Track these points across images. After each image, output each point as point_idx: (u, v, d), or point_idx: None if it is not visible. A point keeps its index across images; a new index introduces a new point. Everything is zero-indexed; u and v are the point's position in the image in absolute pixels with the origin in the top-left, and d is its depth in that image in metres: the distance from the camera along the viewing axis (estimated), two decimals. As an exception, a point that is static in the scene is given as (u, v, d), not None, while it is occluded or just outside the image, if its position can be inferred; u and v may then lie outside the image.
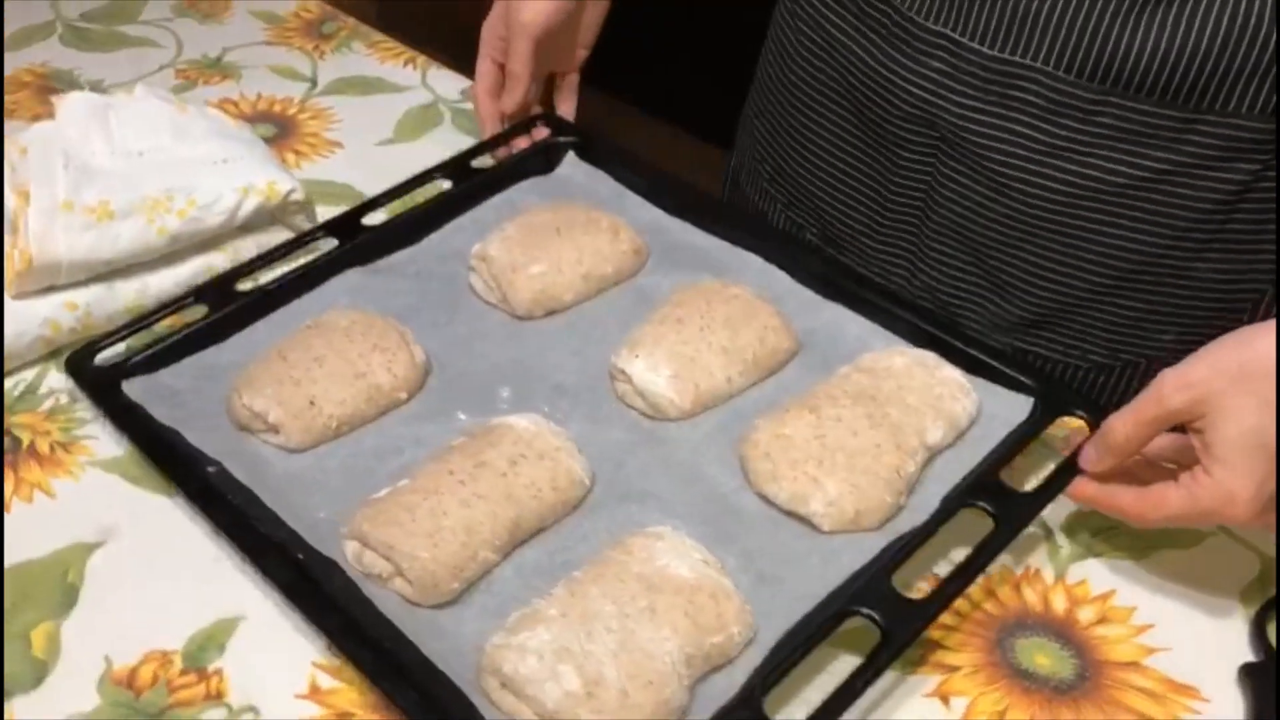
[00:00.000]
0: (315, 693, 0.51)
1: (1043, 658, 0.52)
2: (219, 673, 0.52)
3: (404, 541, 0.53)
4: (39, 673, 0.52)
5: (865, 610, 0.51)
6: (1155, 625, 0.53)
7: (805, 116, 0.76)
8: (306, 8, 1.05)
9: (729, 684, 0.50)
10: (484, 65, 0.82)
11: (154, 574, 0.56)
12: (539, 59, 0.80)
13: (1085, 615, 0.54)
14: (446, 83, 0.94)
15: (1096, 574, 0.56)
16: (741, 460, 0.59)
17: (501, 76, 0.82)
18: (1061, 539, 0.58)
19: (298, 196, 0.73)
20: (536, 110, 0.84)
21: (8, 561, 0.56)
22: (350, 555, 0.55)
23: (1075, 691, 0.51)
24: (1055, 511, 0.58)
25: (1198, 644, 0.53)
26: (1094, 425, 0.59)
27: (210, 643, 0.53)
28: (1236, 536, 0.58)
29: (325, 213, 0.76)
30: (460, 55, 0.92)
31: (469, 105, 0.90)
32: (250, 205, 0.71)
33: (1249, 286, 0.67)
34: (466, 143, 0.82)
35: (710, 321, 0.65)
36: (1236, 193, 0.63)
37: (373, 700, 0.51)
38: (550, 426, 0.60)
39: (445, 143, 0.87)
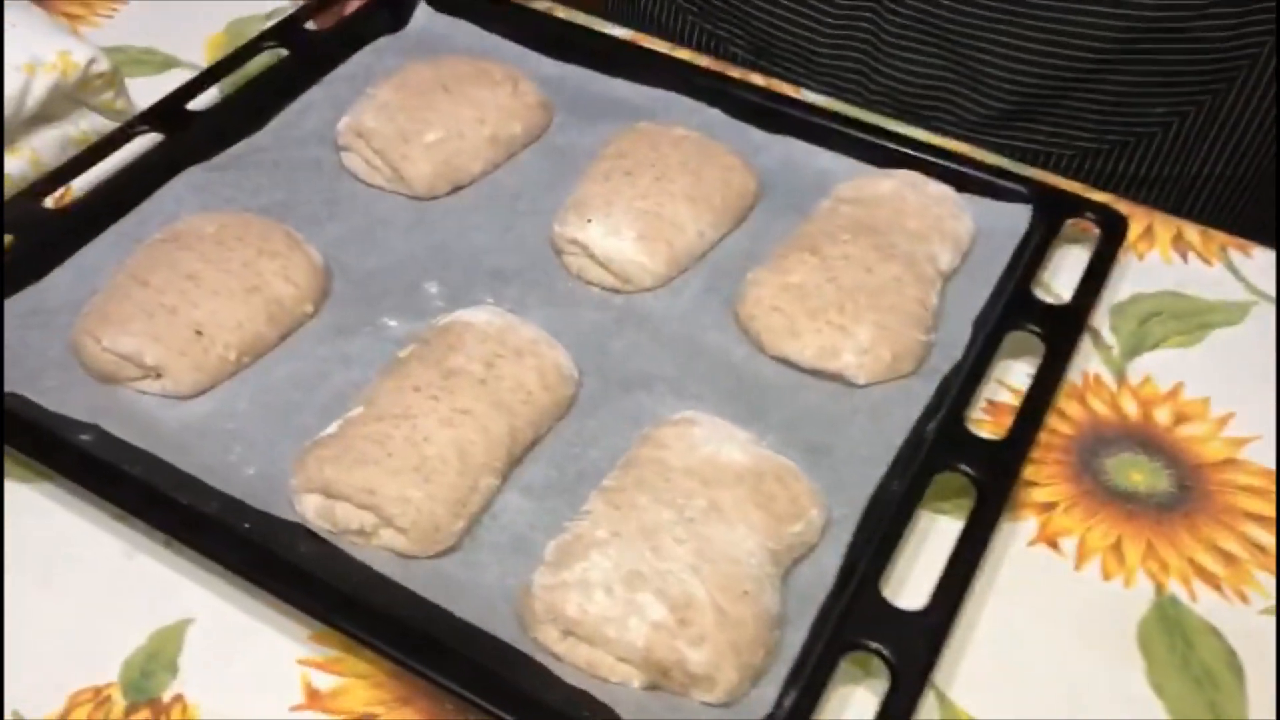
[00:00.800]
0: (314, 699, 0.39)
1: (1137, 474, 0.47)
2: (179, 700, 0.39)
3: (386, 482, 0.41)
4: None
5: (955, 464, 0.44)
6: (1236, 414, 0.49)
7: None
8: None
9: (818, 575, 0.42)
10: None
11: (53, 591, 0.42)
12: None
13: (1162, 417, 0.49)
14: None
15: (1157, 368, 0.51)
16: (746, 321, 0.50)
17: None
18: (1109, 337, 0.52)
19: (101, 68, 0.56)
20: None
21: None
22: (313, 513, 0.42)
23: (1183, 506, 0.46)
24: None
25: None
26: (1102, 224, 0.54)
27: (154, 663, 0.40)
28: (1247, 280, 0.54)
29: (142, 91, 0.60)
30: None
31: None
32: (41, 86, 0.54)
33: (1248, 43, 0.62)
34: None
35: (665, 169, 0.54)
36: None
37: (397, 691, 0.39)
38: (506, 315, 0.49)
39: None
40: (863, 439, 0.46)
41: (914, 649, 0.38)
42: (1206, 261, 0.56)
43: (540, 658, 0.39)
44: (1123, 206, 0.56)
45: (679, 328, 0.51)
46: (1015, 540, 0.45)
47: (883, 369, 0.49)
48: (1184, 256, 0.56)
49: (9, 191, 0.54)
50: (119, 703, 0.38)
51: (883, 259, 0.51)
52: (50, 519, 0.44)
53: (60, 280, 0.51)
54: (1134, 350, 0.52)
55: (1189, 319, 0.53)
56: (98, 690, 0.39)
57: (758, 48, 0.70)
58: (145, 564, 0.42)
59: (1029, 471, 0.46)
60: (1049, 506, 0.46)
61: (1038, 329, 0.49)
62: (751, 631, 0.39)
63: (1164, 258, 0.56)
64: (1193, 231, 0.57)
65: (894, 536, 0.42)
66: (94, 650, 0.40)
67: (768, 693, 0.38)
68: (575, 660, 0.39)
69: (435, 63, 0.60)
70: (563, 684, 0.38)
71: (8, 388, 0.46)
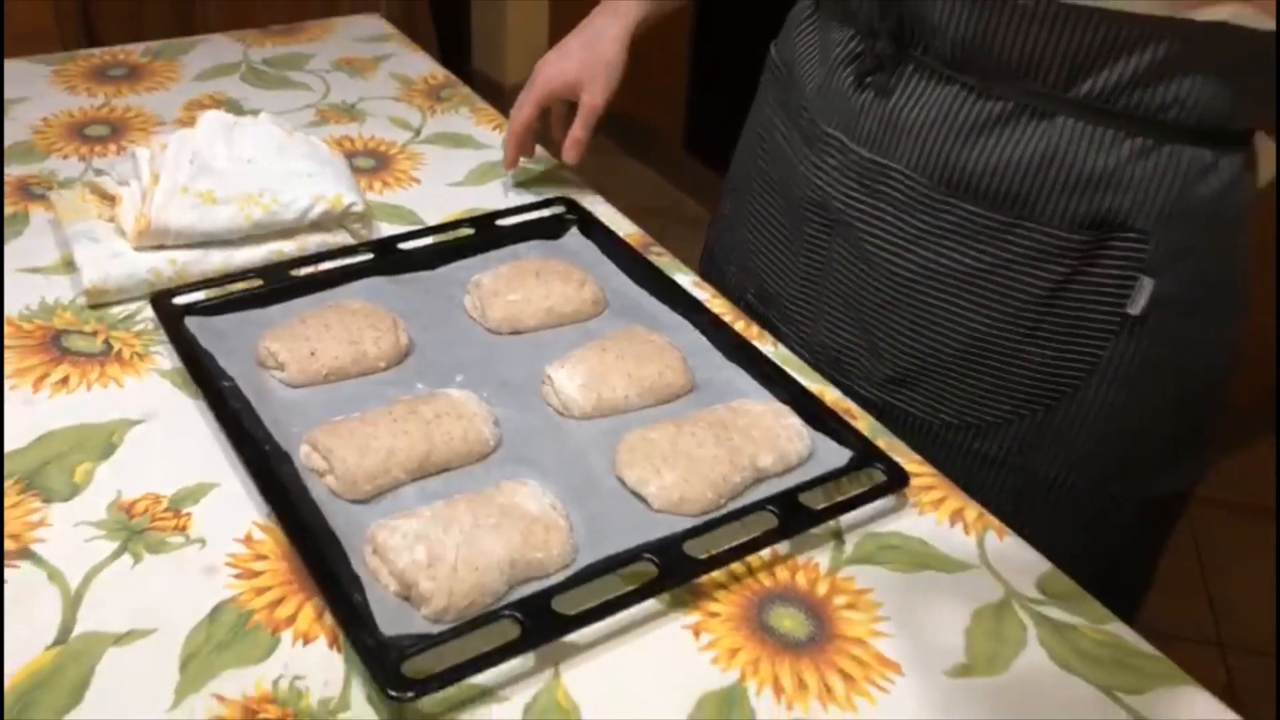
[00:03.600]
0: (249, 540, 0.70)
1: (789, 622, 0.67)
2: (189, 515, 0.72)
3: (339, 448, 0.73)
4: (73, 492, 0.73)
5: (649, 556, 0.67)
6: (890, 618, 0.68)
7: (753, 201, 0.97)
8: (434, 75, 1.31)
9: (538, 588, 0.67)
10: (524, 112, 1.05)
11: (169, 446, 0.77)
12: (547, 100, 1.04)
13: (839, 601, 0.69)
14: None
15: (863, 575, 0.71)
16: (615, 451, 0.77)
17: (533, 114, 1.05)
18: (849, 547, 0.73)
19: (357, 209, 0.95)
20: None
21: (74, 420, 0.78)
22: (302, 454, 0.74)
23: (801, 648, 0.65)
24: (853, 526, 0.74)
25: (917, 638, 0.67)
26: (891, 478, 0.75)
27: (189, 496, 0.73)
28: (992, 569, 0.72)
29: (385, 228, 0.99)
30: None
31: (534, 166, 1.12)
32: (318, 210, 0.93)
33: (1069, 375, 0.81)
34: (522, 198, 1.05)
35: (625, 355, 0.83)
36: (1051, 290, 0.79)
37: (285, 550, 0.69)
38: (476, 401, 0.79)
39: (499, 194, 1.09)
40: (630, 536, 0.71)
41: (544, 626, 0.63)
42: (965, 532, 0.74)
43: (354, 560, 0.67)
44: (940, 483, 0.76)
45: (576, 444, 0.78)
46: (675, 623, 0.67)
47: (672, 503, 0.73)
48: (951, 523, 0.75)
49: (276, 259, 0.93)
50: (163, 505, 0.72)
51: (715, 444, 0.76)
52: (190, 415, 0.79)
53: (275, 310, 0.88)
54: (858, 561, 0.72)
55: (915, 557, 0.72)
56: (157, 496, 0.72)
57: (762, 296, 0.97)
58: (216, 449, 0.76)
59: (713, 590, 0.68)
60: (713, 614, 0.67)
61: (778, 511, 0.71)
62: (465, 591, 0.65)
63: (938, 520, 0.75)
64: (973, 510, 0.76)
65: (582, 579, 0.66)
66: (168, 479, 0.74)
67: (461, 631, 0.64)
68: (370, 566, 0.67)
69: (543, 260, 0.93)
70: (351, 573, 0.66)
71: (210, 350, 0.82)
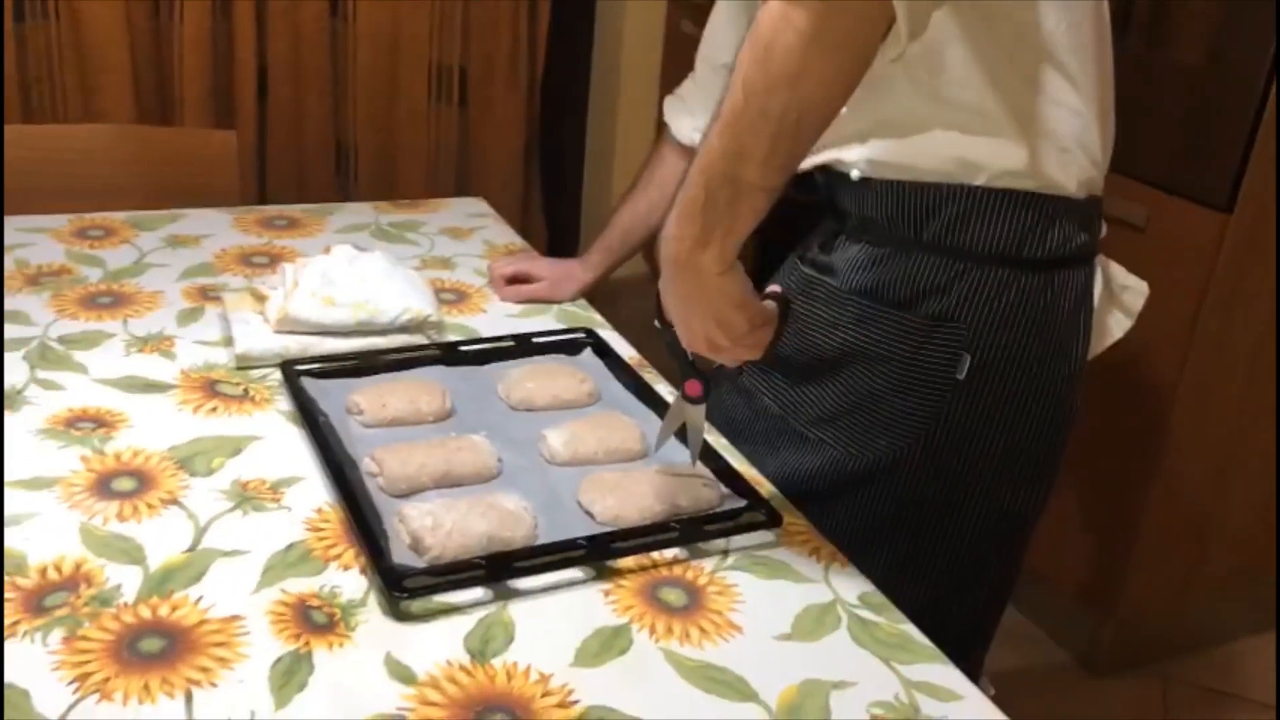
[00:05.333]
0: (319, 512, 1.04)
1: (672, 596, 0.97)
2: (283, 492, 1.06)
3: (387, 460, 1.07)
4: (209, 473, 1.08)
5: (581, 541, 0.98)
6: (745, 603, 0.97)
7: None
8: (513, 243, 1.71)
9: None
10: (506, 269, 1.51)
11: (276, 453, 1.12)
12: (520, 276, 1.52)
13: (712, 590, 0.98)
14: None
15: (734, 576, 1.00)
16: (579, 485, 1.09)
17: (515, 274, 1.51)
18: (730, 559, 1.02)
19: (434, 320, 1.32)
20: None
21: (217, 432, 1.14)
22: (364, 465, 1.08)
23: (675, 611, 0.95)
24: (738, 550, 1.03)
25: (758, 615, 0.95)
26: (769, 519, 1.05)
27: (284, 482, 1.07)
28: (829, 584, 1.00)
29: (453, 337, 1.36)
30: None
31: (574, 309, 1.48)
32: (405, 317, 1.31)
33: (920, 420, 1.12)
34: (557, 326, 1.41)
35: (601, 426, 1.16)
36: (907, 359, 1.11)
37: (343, 522, 1.02)
38: (489, 446, 1.12)
39: (546, 324, 1.43)
40: (575, 533, 1.02)
41: (499, 570, 0.94)
42: (818, 560, 1.03)
43: (387, 527, 1.00)
44: (809, 532, 1.06)
45: (553, 480, 1.10)
46: (596, 589, 0.97)
47: (609, 518, 1.04)
48: (810, 554, 1.04)
49: (370, 348, 1.30)
50: (266, 486, 1.06)
51: (650, 484, 1.07)
52: (295, 440, 1.14)
53: (365, 380, 1.24)
54: (735, 569, 1.01)
55: (770, 569, 1.01)
56: (263, 481, 1.07)
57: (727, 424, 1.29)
58: (305, 457, 1.11)
59: (629, 574, 0.99)
60: (622, 586, 0.97)
61: (676, 526, 1.02)
62: (454, 549, 0.97)
63: (799, 553, 1.04)
64: (828, 548, 1.05)
65: (532, 552, 0.98)
66: (266, 473, 1.08)
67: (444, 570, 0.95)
68: (396, 529, 0.99)
69: (559, 366, 1.28)
70: (382, 529, 0.99)
71: (315, 397, 1.18)
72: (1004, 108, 1.03)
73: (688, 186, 0.89)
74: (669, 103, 1.44)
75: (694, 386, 1.06)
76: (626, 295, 1.88)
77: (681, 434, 1.10)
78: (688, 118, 1.40)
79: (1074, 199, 1.07)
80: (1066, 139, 1.04)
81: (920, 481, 1.14)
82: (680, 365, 1.05)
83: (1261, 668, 2.20)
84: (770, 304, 1.00)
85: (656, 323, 1.01)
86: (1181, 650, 2.20)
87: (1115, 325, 1.16)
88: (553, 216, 3.17)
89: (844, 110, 1.06)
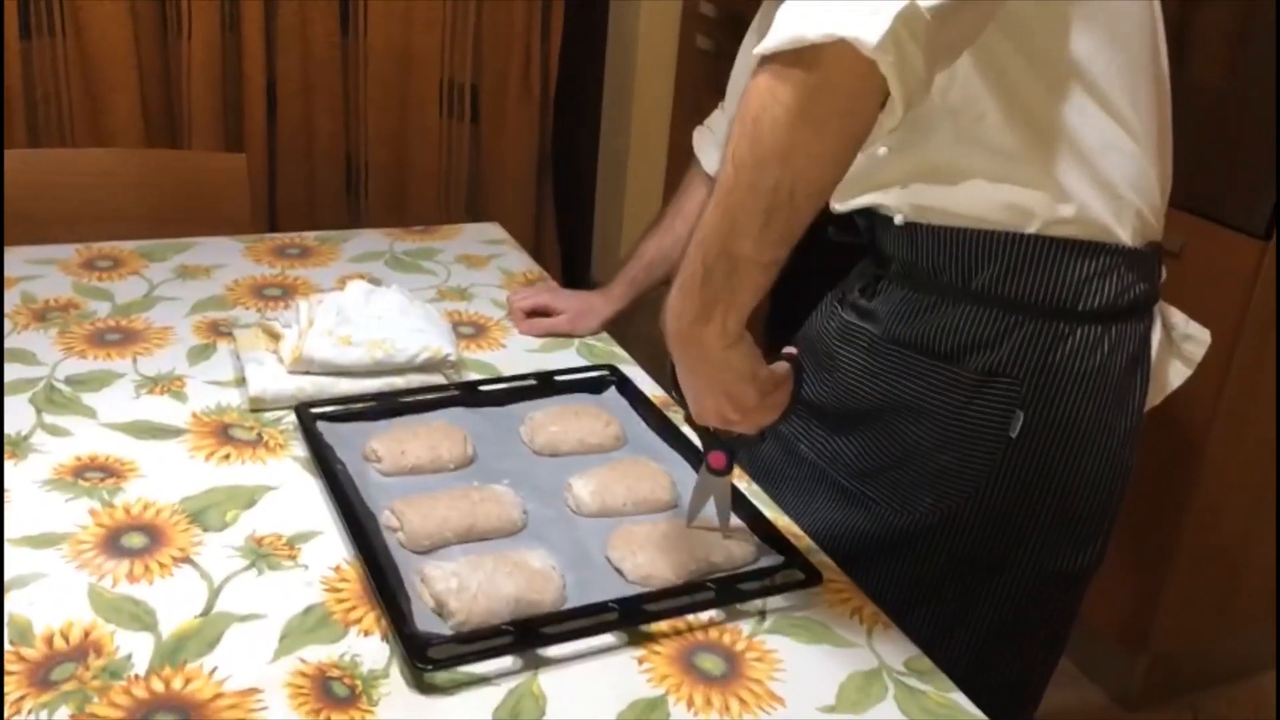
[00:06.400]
0: (338, 570, 0.99)
1: (709, 663, 0.92)
2: (299, 549, 1.01)
3: (408, 514, 1.02)
4: (223, 527, 1.03)
5: (613, 604, 0.94)
6: (786, 670, 0.92)
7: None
8: (530, 271, 1.67)
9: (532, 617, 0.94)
10: (525, 302, 1.48)
11: (292, 505, 1.07)
12: (541, 309, 1.48)
13: (750, 655, 0.93)
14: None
15: (773, 640, 0.95)
16: (606, 540, 1.04)
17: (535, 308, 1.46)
18: (768, 621, 0.97)
19: (452, 359, 1.28)
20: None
21: (230, 481, 1.09)
22: (383, 517, 1.04)
23: (714, 680, 0.90)
24: (776, 610, 0.98)
25: (801, 685, 0.90)
26: (808, 577, 1.00)
27: (301, 537, 1.03)
28: (873, 649, 0.95)
29: (472, 376, 1.31)
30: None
31: (595, 343, 1.44)
32: (423, 356, 1.26)
33: (970, 478, 1.07)
34: (579, 362, 1.37)
35: (629, 474, 1.11)
36: (954, 413, 1.06)
37: (363, 580, 0.98)
38: (513, 495, 1.08)
39: (568, 359, 1.40)
40: (606, 594, 0.97)
41: (529, 638, 0.89)
42: (860, 622, 0.98)
43: (409, 587, 0.95)
44: (850, 589, 1.02)
45: (581, 534, 1.06)
46: (626, 655, 0.92)
47: (641, 577, 0.99)
48: (851, 615, 0.99)
49: (388, 389, 1.25)
50: (281, 542, 1.02)
51: (682, 539, 1.03)
52: (310, 487, 1.10)
53: (380, 424, 1.19)
54: (774, 632, 0.96)
55: (812, 633, 0.96)
56: (277, 536, 1.02)
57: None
58: (323, 511, 1.06)
59: (661, 637, 0.94)
60: (656, 652, 0.93)
61: (713, 587, 0.97)
62: (480, 613, 0.92)
63: (840, 613, 1.00)
64: (870, 608, 1.00)
65: (563, 617, 0.93)
66: (286, 527, 1.04)
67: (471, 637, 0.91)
68: (417, 589, 0.95)
69: (584, 406, 1.23)
70: (404, 592, 0.94)
71: (331, 444, 1.13)
72: (1051, 154, 0.98)
73: (687, 262, 0.84)
74: (698, 134, 1.39)
75: (718, 459, 1.02)
76: (644, 311, 1.83)
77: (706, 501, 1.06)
78: (715, 150, 1.35)
79: (1130, 247, 1.02)
80: (1120, 185, 0.99)
81: (967, 541, 1.09)
82: (701, 437, 1.01)
83: (1294, 700, 2.15)
84: (782, 365, 0.96)
85: (673, 394, 0.97)
86: (1214, 682, 2.15)
87: (1174, 376, 1.11)
88: (565, 234, 3.13)
89: (883, 152, 1.02)
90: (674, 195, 1.42)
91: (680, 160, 1.47)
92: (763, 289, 0.84)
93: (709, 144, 1.37)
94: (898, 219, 1.07)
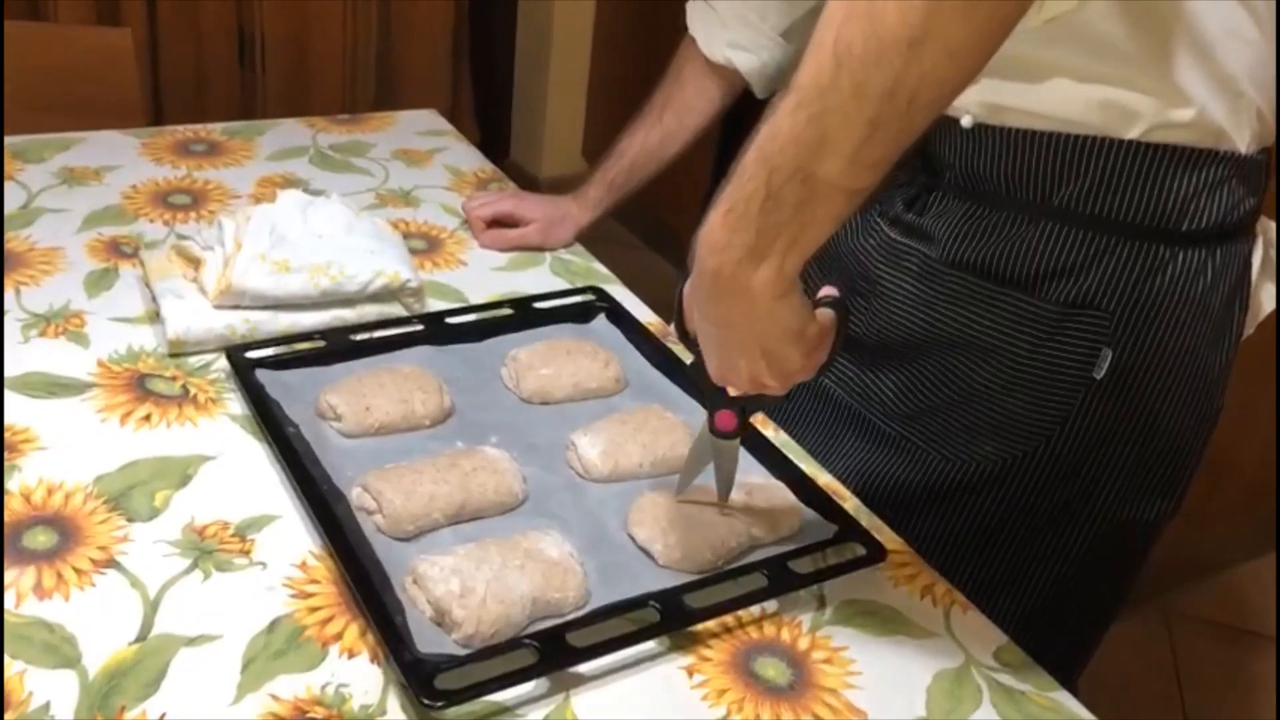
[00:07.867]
0: (304, 567, 0.80)
1: (772, 670, 0.77)
2: (253, 541, 0.82)
3: (388, 491, 0.83)
4: (153, 514, 0.83)
5: (654, 604, 0.77)
6: (861, 674, 0.77)
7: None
8: (483, 169, 1.44)
9: (555, 624, 0.77)
10: (485, 210, 1.26)
11: (236, 480, 0.87)
12: (502, 217, 1.27)
13: (817, 655, 0.78)
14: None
15: (840, 635, 0.80)
16: (626, 512, 0.87)
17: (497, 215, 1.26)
18: (829, 609, 0.82)
19: (413, 285, 1.07)
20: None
21: (155, 452, 0.89)
22: (354, 496, 0.84)
23: (781, 693, 0.75)
24: (834, 593, 0.83)
25: (883, 693, 0.76)
26: (870, 552, 0.85)
27: (253, 525, 0.83)
28: (955, 638, 0.81)
29: (435, 303, 1.10)
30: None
31: (571, 257, 1.24)
32: (378, 283, 1.05)
33: (1043, 425, 0.92)
34: (557, 284, 1.17)
35: (642, 428, 0.94)
36: (1028, 352, 0.91)
37: (336, 577, 0.79)
38: (508, 459, 0.89)
39: (542, 279, 1.20)
40: (636, 586, 0.80)
41: (558, 655, 0.72)
42: (934, 605, 0.84)
43: (399, 589, 0.77)
44: (914, 561, 0.86)
45: (593, 504, 0.88)
46: (672, 663, 0.76)
47: (674, 560, 0.83)
48: (922, 596, 0.84)
49: (338, 324, 1.04)
50: (230, 530, 0.82)
51: (716, 510, 0.86)
52: (256, 455, 0.89)
53: (336, 369, 0.99)
54: (838, 623, 0.81)
55: (885, 621, 0.82)
56: (225, 523, 0.83)
57: None
58: (278, 487, 0.86)
59: (708, 638, 0.78)
60: (706, 659, 0.77)
61: (767, 574, 0.81)
62: (492, 621, 0.75)
63: (910, 592, 0.85)
64: (942, 586, 0.85)
65: (593, 619, 0.76)
66: (236, 508, 0.84)
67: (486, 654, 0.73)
68: (410, 594, 0.77)
69: (576, 341, 1.04)
70: (394, 599, 0.76)
71: (278, 399, 0.93)
72: (1165, 45, 0.80)
73: (741, 179, 0.64)
74: (693, 9, 1.18)
75: (726, 419, 0.83)
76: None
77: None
78: (719, 29, 1.14)
79: (1245, 155, 0.86)
80: (1242, 79, 0.83)
81: (1033, 493, 0.94)
82: (708, 392, 0.82)
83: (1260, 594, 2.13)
84: (827, 314, 0.75)
85: (679, 335, 0.78)
86: (1184, 579, 2.11)
87: (1267, 299, 0.96)
88: (483, 117, 2.87)
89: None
90: (661, 81, 1.21)
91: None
92: (838, 224, 0.65)
93: (708, 22, 1.16)
94: (965, 120, 0.89)
